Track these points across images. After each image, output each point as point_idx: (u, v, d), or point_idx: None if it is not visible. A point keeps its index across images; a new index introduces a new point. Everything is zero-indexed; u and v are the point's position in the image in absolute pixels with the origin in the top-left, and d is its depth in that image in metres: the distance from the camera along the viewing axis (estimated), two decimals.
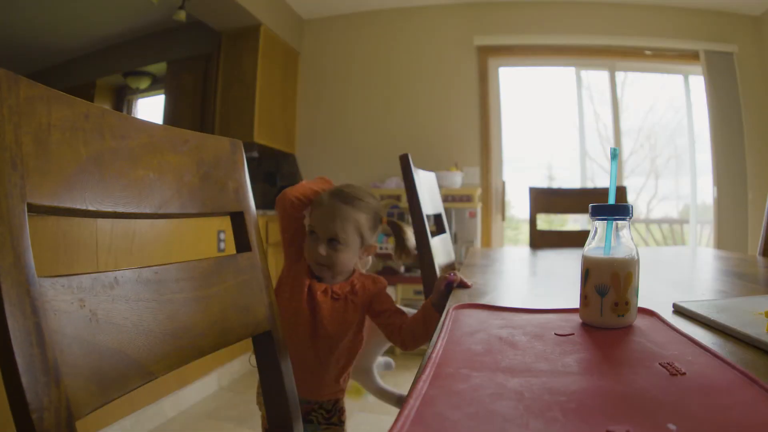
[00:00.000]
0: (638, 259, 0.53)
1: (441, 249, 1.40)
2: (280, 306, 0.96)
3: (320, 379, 1.03)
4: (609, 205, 0.54)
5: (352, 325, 1.03)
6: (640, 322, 0.53)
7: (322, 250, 0.98)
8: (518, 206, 3.52)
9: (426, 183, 1.41)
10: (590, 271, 0.53)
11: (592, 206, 0.55)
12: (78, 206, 0.48)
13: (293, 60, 3.46)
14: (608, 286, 0.51)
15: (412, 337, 0.97)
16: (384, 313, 1.03)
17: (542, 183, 3.52)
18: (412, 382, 0.36)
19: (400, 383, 1.04)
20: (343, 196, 1.01)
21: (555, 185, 3.51)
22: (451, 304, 0.64)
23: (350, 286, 1.04)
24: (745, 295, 0.70)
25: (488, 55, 3.33)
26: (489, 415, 0.29)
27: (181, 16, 2.76)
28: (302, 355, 1.00)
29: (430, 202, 1.43)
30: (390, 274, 2.90)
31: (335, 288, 1.03)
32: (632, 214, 0.54)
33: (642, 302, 0.56)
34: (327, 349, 1.02)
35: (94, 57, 3.92)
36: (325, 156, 3.49)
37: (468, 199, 2.99)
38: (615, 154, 0.56)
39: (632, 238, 0.55)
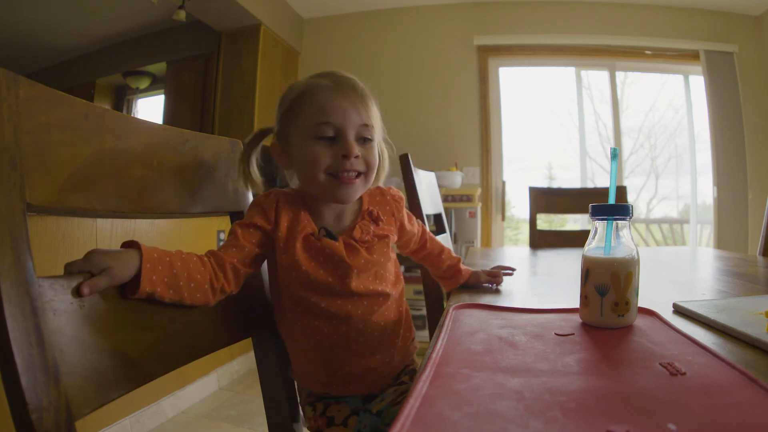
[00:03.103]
0: (638, 259, 0.53)
1: None
2: (294, 297, 0.67)
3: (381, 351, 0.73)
4: (609, 205, 0.54)
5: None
6: (640, 322, 0.53)
7: (355, 148, 0.65)
8: (518, 206, 3.52)
9: (426, 183, 1.41)
10: (590, 270, 0.53)
11: (592, 206, 0.55)
12: (78, 206, 0.48)
13: (293, 60, 3.46)
14: (608, 286, 0.51)
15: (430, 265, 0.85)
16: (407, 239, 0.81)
17: (542, 183, 3.52)
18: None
19: None
20: (349, 80, 0.68)
21: (555, 185, 3.51)
22: (451, 304, 0.64)
23: (368, 215, 0.72)
24: (745, 295, 0.70)
25: (488, 55, 3.33)
26: (489, 415, 0.29)
27: (181, 15, 2.75)
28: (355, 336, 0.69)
29: (430, 201, 1.43)
30: None
31: (356, 233, 0.69)
32: (632, 214, 0.54)
33: (642, 302, 0.56)
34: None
35: (94, 57, 3.92)
36: None
37: (468, 199, 2.99)
38: (615, 154, 0.56)
39: (632, 238, 0.55)
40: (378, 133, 0.70)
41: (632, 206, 0.54)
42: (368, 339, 0.69)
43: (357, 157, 0.65)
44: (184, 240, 2.04)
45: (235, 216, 0.74)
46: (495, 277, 0.82)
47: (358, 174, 0.67)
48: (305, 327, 0.68)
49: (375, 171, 0.70)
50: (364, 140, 0.67)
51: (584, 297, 0.54)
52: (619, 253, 0.53)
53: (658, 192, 3.48)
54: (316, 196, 0.69)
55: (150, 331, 0.54)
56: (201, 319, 0.61)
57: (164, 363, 0.55)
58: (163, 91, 3.71)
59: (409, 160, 1.21)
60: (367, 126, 0.67)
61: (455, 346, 0.45)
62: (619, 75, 3.37)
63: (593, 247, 0.55)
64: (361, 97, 0.67)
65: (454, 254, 0.86)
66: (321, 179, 0.65)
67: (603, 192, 2.08)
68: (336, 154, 0.65)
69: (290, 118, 0.68)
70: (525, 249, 1.80)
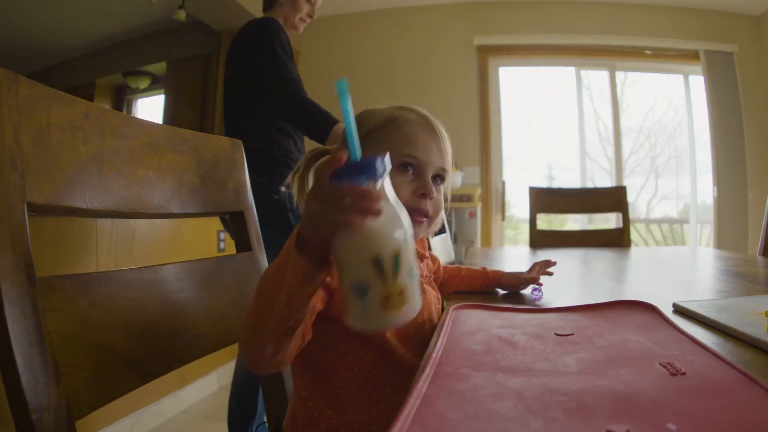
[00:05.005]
0: (407, 227, 0.38)
1: (440, 249, 1.40)
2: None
3: None
4: (353, 164, 0.36)
5: None
6: (639, 318, 0.53)
7: (434, 189, 0.62)
8: (518, 206, 3.52)
9: None
10: (342, 264, 0.37)
11: (333, 172, 0.36)
12: (78, 206, 0.48)
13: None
14: (368, 284, 0.36)
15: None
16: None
17: (542, 183, 3.52)
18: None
19: None
20: (434, 120, 0.67)
21: (555, 185, 3.51)
22: (451, 304, 0.64)
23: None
24: (745, 295, 0.70)
25: (488, 55, 3.33)
26: (489, 414, 0.29)
27: (181, 15, 2.75)
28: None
29: None
30: None
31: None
32: (387, 167, 0.37)
33: None
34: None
35: (94, 57, 3.92)
36: None
37: (468, 198, 2.99)
38: (342, 90, 0.36)
39: (395, 198, 0.39)
40: (449, 180, 0.68)
41: (383, 158, 0.36)
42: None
43: (432, 198, 0.62)
44: (184, 240, 2.04)
45: (235, 216, 0.73)
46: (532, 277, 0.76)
47: (426, 216, 0.63)
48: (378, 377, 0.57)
49: (438, 217, 0.66)
50: (437, 184, 0.64)
51: (342, 299, 0.38)
52: (377, 224, 0.36)
53: (658, 192, 3.49)
54: None
55: (150, 331, 0.54)
56: (201, 318, 0.61)
57: (164, 363, 0.55)
58: (163, 91, 3.71)
59: None
60: (444, 170, 0.65)
61: (455, 345, 0.45)
62: (619, 75, 3.37)
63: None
64: (443, 139, 0.65)
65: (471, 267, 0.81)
66: None
67: (603, 192, 2.08)
68: (415, 191, 0.61)
69: (368, 143, 0.61)
70: (525, 249, 1.80)
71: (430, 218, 0.64)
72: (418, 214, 0.61)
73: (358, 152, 0.37)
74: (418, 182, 0.61)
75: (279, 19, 1.58)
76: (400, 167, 0.61)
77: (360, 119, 0.64)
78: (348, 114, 0.37)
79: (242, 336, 0.46)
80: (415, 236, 0.60)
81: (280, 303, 0.40)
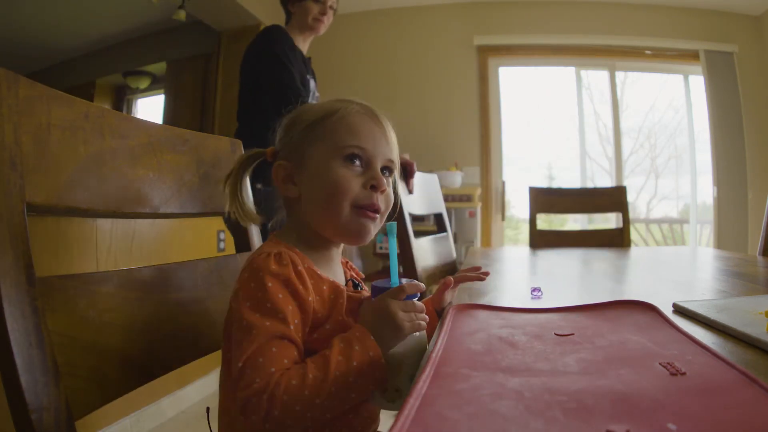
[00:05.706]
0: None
1: (430, 250, 1.40)
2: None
3: None
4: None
5: None
6: (639, 318, 0.53)
7: (384, 182, 0.58)
8: (518, 206, 3.52)
9: (418, 182, 1.41)
10: (404, 359, 0.52)
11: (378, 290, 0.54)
12: (78, 206, 0.48)
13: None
14: (416, 371, 0.46)
15: None
16: None
17: (542, 183, 3.52)
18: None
19: None
20: (377, 111, 0.64)
21: (555, 185, 3.51)
22: (451, 304, 0.64)
23: (350, 267, 0.69)
24: (745, 295, 0.70)
25: (488, 55, 3.33)
26: (489, 414, 0.29)
27: (181, 15, 2.75)
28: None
29: (421, 201, 1.44)
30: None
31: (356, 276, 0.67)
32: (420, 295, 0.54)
33: None
34: None
35: (94, 57, 3.92)
36: None
37: (468, 198, 2.99)
38: (392, 231, 0.54)
39: None
40: (397, 173, 0.64)
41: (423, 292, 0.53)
42: None
43: (383, 192, 0.58)
44: (184, 240, 2.03)
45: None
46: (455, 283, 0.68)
47: (377, 212, 0.58)
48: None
49: (387, 213, 0.61)
50: (386, 176, 0.60)
51: (394, 390, 0.51)
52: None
53: (658, 192, 3.49)
54: (324, 232, 0.59)
55: (150, 331, 0.54)
56: (201, 319, 0.61)
57: (164, 363, 0.55)
58: (163, 91, 3.71)
59: None
60: (392, 162, 0.61)
61: (455, 345, 0.45)
62: (619, 75, 3.37)
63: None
64: (389, 130, 0.62)
65: None
66: (345, 209, 0.56)
67: (603, 192, 2.08)
68: (364, 183, 0.57)
69: (310, 137, 0.59)
70: (525, 249, 1.80)
71: (382, 214, 0.60)
72: (370, 211, 0.58)
73: (397, 279, 0.54)
74: (368, 174, 0.58)
75: (295, 27, 1.67)
76: (347, 159, 0.57)
77: (297, 114, 0.62)
78: (393, 249, 0.56)
79: (286, 419, 0.45)
80: (369, 235, 0.59)
81: (348, 402, 0.48)
